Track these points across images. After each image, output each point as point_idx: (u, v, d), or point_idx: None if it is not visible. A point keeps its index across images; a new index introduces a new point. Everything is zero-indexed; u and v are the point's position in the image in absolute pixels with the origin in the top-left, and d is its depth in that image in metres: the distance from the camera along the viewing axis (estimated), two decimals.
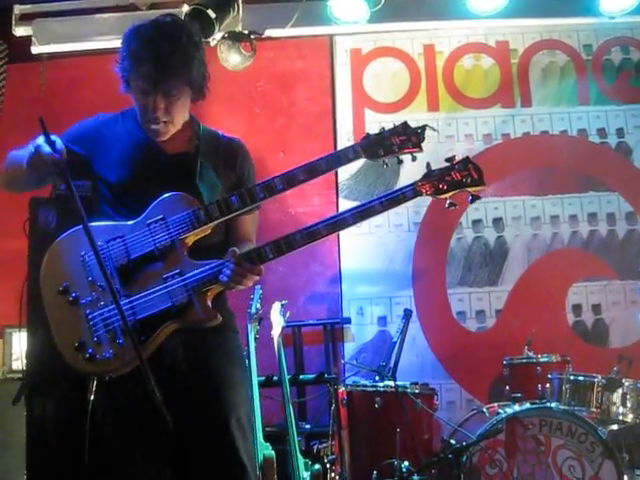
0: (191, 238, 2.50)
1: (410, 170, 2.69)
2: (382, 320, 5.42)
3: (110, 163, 2.62)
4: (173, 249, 2.47)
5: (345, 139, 5.66)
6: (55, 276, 2.50)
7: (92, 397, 2.42)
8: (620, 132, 5.65)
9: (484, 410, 4.34)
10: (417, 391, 4.28)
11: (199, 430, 2.47)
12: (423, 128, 2.60)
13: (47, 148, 2.39)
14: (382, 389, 4.27)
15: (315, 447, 4.43)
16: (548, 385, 4.26)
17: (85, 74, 5.73)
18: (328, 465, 4.22)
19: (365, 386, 4.39)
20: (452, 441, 4.24)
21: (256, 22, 5.45)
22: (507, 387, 4.54)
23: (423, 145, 2.63)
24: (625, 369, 4.26)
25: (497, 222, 5.52)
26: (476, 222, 5.52)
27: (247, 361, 3.78)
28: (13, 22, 5.46)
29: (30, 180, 2.62)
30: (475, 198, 2.60)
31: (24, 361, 3.70)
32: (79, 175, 2.59)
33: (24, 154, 2.50)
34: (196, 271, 2.44)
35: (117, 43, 5.45)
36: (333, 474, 4.21)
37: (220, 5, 5.08)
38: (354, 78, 5.79)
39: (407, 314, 4.80)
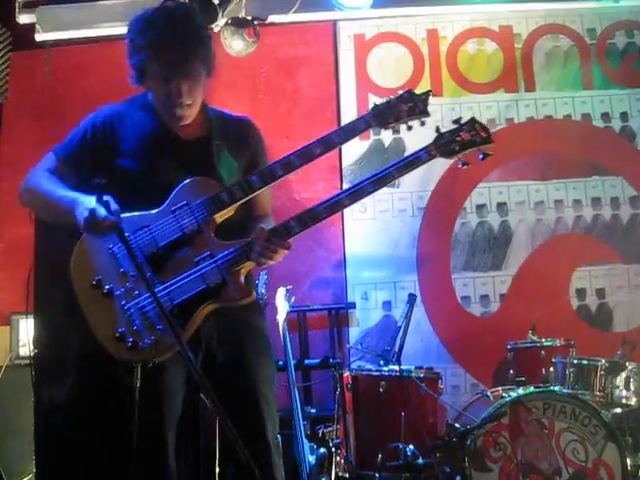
0: (216, 220, 2.55)
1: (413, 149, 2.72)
2: (387, 305, 5.45)
3: (127, 153, 2.64)
4: (200, 232, 2.52)
5: None
6: (86, 271, 2.56)
7: (138, 383, 2.47)
8: (624, 116, 5.65)
9: (488, 394, 4.35)
10: (422, 375, 4.29)
11: (231, 407, 2.50)
12: (427, 93, 2.69)
13: (103, 211, 2.41)
14: (387, 373, 4.29)
15: (320, 431, 4.46)
16: (552, 369, 4.28)
17: (89, 61, 5.74)
18: (333, 449, 4.24)
19: (370, 370, 4.40)
20: (456, 425, 4.25)
21: (259, 8, 5.44)
22: (511, 371, 4.55)
23: (427, 123, 2.70)
24: (629, 353, 4.27)
25: (501, 207, 5.53)
26: (480, 207, 5.52)
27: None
28: (17, 9, 5.45)
29: (61, 222, 2.64)
30: (486, 155, 2.66)
31: (31, 347, 3.72)
32: (97, 171, 2.66)
33: (67, 204, 2.52)
34: (226, 251, 2.50)
35: (121, 30, 5.47)
36: (338, 458, 4.23)
37: None
38: (358, 63, 5.79)
39: (411, 299, 4.80)
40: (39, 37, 5.54)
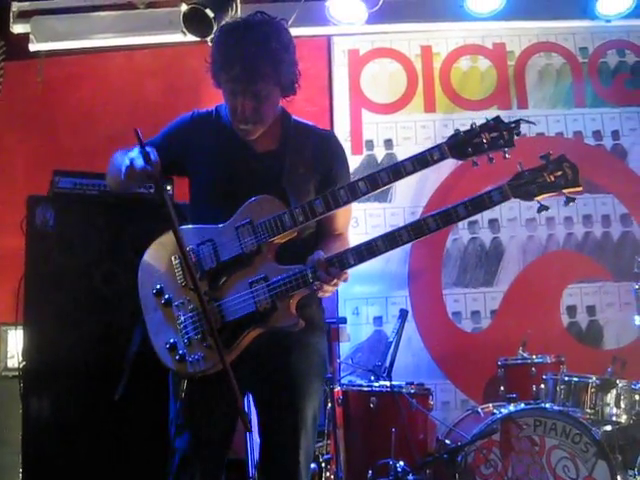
0: (277, 241, 2.52)
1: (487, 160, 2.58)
2: (378, 320, 5.43)
3: (202, 162, 2.66)
4: (260, 253, 2.50)
5: (342, 139, 5.55)
6: (151, 277, 2.58)
7: (184, 395, 2.47)
8: (615, 134, 5.67)
9: (479, 410, 4.34)
10: (412, 391, 4.28)
11: (270, 425, 2.60)
12: (518, 123, 2.47)
13: (140, 161, 2.42)
14: (377, 389, 4.28)
15: None
16: (543, 386, 4.28)
17: (83, 72, 5.74)
18: (323, 464, 4.23)
19: (361, 386, 4.39)
20: (447, 441, 4.24)
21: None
22: (502, 387, 4.55)
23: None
24: (619, 370, 4.27)
25: (493, 223, 5.54)
26: (472, 223, 5.53)
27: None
28: (11, 19, 5.44)
29: (129, 188, 2.79)
30: (570, 200, 2.45)
31: (20, 359, 3.69)
32: (170, 172, 2.70)
33: (120, 160, 2.56)
34: (280, 277, 2.47)
35: (115, 41, 5.59)
36: (328, 473, 4.21)
37: (218, 4, 5.07)
38: (351, 79, 5.80)
39: (403, 314, 4.80)
40: (33, 47, 5.53)
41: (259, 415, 2.66)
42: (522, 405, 4.09)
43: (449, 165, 5.29)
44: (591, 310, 5.39)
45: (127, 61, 5.73)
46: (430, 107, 5.75)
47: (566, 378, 4.21)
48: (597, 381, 4.13)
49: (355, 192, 2.51)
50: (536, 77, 5.79)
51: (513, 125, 2.46)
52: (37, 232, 3.71)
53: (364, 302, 5.47)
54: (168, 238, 2.54)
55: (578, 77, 5.77)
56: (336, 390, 4.37)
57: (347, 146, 5.64)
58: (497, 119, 2.47)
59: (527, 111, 5.70)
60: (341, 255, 2.49)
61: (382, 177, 2.51)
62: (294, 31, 5.38)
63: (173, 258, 2.55)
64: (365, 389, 4.32)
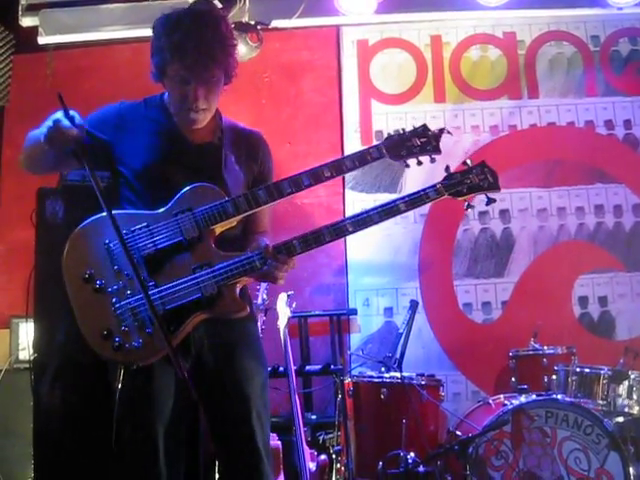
0: (218, 230, 2.53)
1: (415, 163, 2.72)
2: (388, 311, 5.42)
3: (134, 150, 2.62)
4: (201, 240, 2.50)
5: (352, 130, 5.65)
6: (78, 264, 2.50)
7: (119, 385, 2.45)
8: (627, 124, 5.64)
9: (490, 402, 4.33)
10: (423, 382, 4.28)
11: (220, 419, 2.55)
12: (441, 131, 2.70)
13: (66, 122, 2.40)
14: (388, 380, 4.28)
15: (321, 438, 4.44)
16: (554, 377, 4.26)
17: (91, 64, 5.74)
18: (334, 456, 4.23)
19: (371, 377, 4.39)
20: (458, 432, 4.24)
21: (263, 13, 5.44)
22: (513, 379, 4.54)
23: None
24: (631, 361, 4.25)
25: (503, 214, 5.51)
26: (482, 214, 5.51)
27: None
28: (20, 12, 5.46)
29: (48, 158, 2.59)
30: (491, 201, 2.71)
31: (31, 351, 3.70)
32: (98, 163, 2.58)
33: (42, 131, 2.48)
34: (225, 263, 2.47)
35: (124, 33, 5.58)
36: (339, 465, 4.21)
37: None
38: (361, 69, 5.78)
39: (413, 305, 4.80)
40: (42, 40, 5.53)
41: (206, 412, 2.53)
42: (533, 396, 4.08)
43: (458, 157, 5.26)
44: (603, 301, 5.37)
45: (136, 54, 5.72)
46: (440, 97, 5.72)
47: (578, 369, 4.21)
48: (609, 372, 4.12)
49: (298, 184, 2.58)
50: (547, 66, 5.75)
51: (438, 133, 2.69)
52: (47, 224, 3.71)
53: (374, 293, 5.46)
54: (96, 223, 2.51)
55: (589, 66, 5.73)
56: (347, 381, 4.38)
57: (356, 137, 5.64)
58: (424, 127, 2.69)
59: (538, 100, 5.68)
60: (288, 242, 2.53)
61: (324, 171, 2.61)
62: (303, 21, 5.51)
63: (104, 242, 2.49)
64: (376, 380, 4.32)
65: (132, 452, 2.52)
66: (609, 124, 5.63)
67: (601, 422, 3.92)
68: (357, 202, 5.48)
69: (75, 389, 3.59)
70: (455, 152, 5.31)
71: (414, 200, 2.63)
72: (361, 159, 2.64)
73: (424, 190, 2.64)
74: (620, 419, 4.12)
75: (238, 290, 2.52)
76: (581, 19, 5.76)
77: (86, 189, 3.74)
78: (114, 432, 2.49)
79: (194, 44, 2.50)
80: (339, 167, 2.63)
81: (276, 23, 5.53)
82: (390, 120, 5.66)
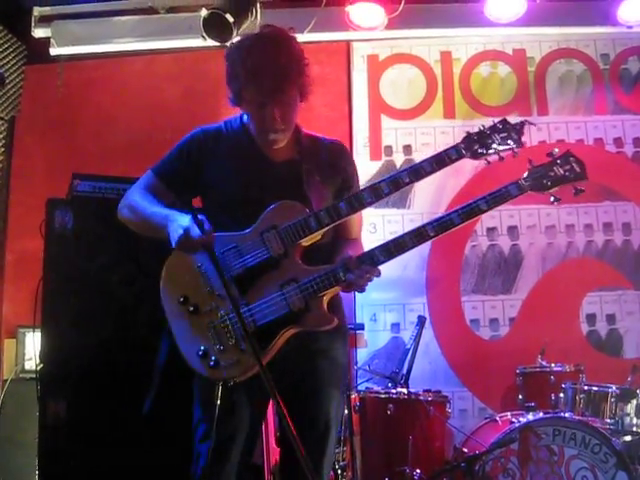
0: (303, 244, 2.57)
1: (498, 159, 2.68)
2: (395, 327, 5.41)
3: (220, 175, 2.69)
4: (287, 256, 2.55)
5: (361, 145, 5.66)
6: (174, 287, 2.61)
7: (219, 402, 2.49)
8: (637, 142, 5.64)
9: (497, 419, 4.31)
10: (430, 398, 4.27)
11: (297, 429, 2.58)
12: (522, 124, 2.66)
13: (197, 231, 2.45)
14: (395, 396, 4.26)
15: None
16: (562, 395, 4.25)
17: (103, 76, 5.77)
18: (340, 471, 4.21)
19: (378, 392, 4.38)
20: (465, 449, 4.22)
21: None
22: (520, 396, 4.53)
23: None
24: (639, 379, 4.23)
25: (512, 230, 5.51)
26: (491, 230, 5.50)
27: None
28: (32, 24, 5.48)
29: (157, 238, 2.65)
30: (578, 191, 2.61)
31: (37, 361, 3.70)
32: (189, 191, 2.71)
33: (162, 220, 2.59)
34: (310, 277, 2.52)
35: (135, 46, 5.61)
36: None
37: (238, 10, 5.09)
38: (371, 84, 5.79)
39: (421, 321, 4.79)
40: (54, 51, 5.56)
41: (281, 423, 2.66)
42: (541, 414, 4.06)
43: (468, 171, 5.28)
44: (611, 318, 5.35)
45: (147, 66, 5.76)
46: (450, 113, 5.73)
47: (585, 387, 4.19)
48: (617, 390, 4.10)
49: (378, 193, 2.58)
50: (556, 83, 5.76)
51: (519, 126, 2.65)
52: (56, 235, 3.71)
53: (382, 308, 5.45)
54: None
55: (599, 84, 5.74)
56: (353, 396, 4.36)
57: (365, 152, 5.65)
58: (504, 121, 2.66)
59: (547, 118, 5.67)
60: (370, 252, 2.57)
61: (403, 178, 2.59)
62: (313, 36, 5.52)
63: (197, 266, 2.58)
64: (382, 396, 4.31)
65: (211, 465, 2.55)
66: (618, 142, 5.63)
67: (609, 441, 3.90)
68: (366, 217, 5.41)
69: (81, 400, 3.58)
70: (464, 168, 5.30)
71: (496, 198, 2.59)
72: (440, 161, 2.61)
73: (505, 187, 2.59)
74: (628, 438, 4.09)
75: (326, 303, 2.55)
76: (591, 37, 5.77)
77: (95, 200, 3.78)
78: (213, 444, 2.52)
79: (269, 68, 2.55)
80: (418, 172, 2.60)
81: None
82: (399, 135, 5.67)
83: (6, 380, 4.79)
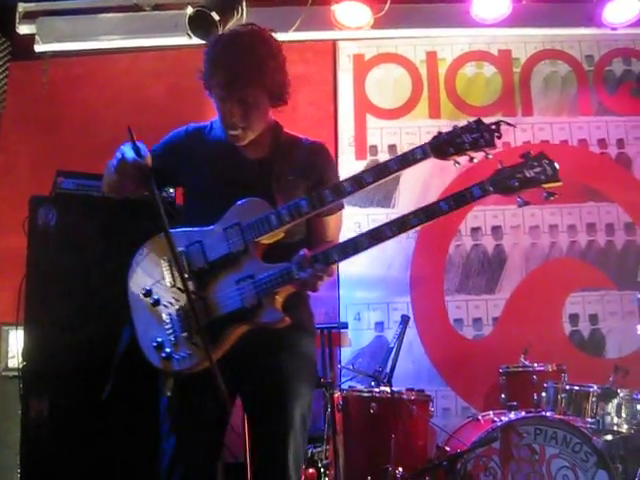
0: (264, 241, 2.57)
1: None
2: (379, 326, 5.43)
3: (195, 171, 2.72)
4: (247, 253, 2.55)
5: (347, 144, 5.67)
6: (139, 280, 2.65)
7: (169, 394, 2.53)
8: (620, 143, 5.67)
9: (479, 418, 4.33)
10: (413, 397, 4.27)
11: (259, 427, 2.64)
12: (498, 124, 2.47)
13: (131, 154, 2.52)
14: (378, 394, 4.26)
15: (310, 451, 4.43)
16: (544, 394, 4.27)
17: (88, 73, 5.75)
18: (322, 469, 4.22)
19: (361, 391, 4.38)
20: (447, 448, 4.24)
21: (259, 25, 5.44)
22: (503, 395, 4.54)
23: None
24: (621, 379, 4.25)
25: (496, 230, 5.53)
26: (475, 230, 5.52)
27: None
28: (17, 20, 5.46)
29: (121, 187, 2.75)
30: (550, 195, 2.45)
31: (20, 359, 3.69)
32: (166, 185, 2.79)
33: (113, 162, 2.65)
34: (266, 274, 2.52)
35: (120, 43, 5.60)
36: (327, 479, 4.20)
37: (224, 8, 5.08)
38: (356, 84, 5.81)
39: (404, 320, 4.79)
40: (38, 48, 5.54)
41: (248, 417, 2.70)
42: (523, 413, 4.08)
43: (453, 171, 5.28)
44: (593, 319, 5.38)
45: (132, 63, 5.74)
46: (435, 113, 5.75)
47: (567, 387, 4.21)
48: (598, 390, 4.12)
49: (340, 192, 2.55)
50: (541, 84, 5.79)
51: (493, 126, 2.46)
52: (39, 232, 3.70)
53: (366, 307, 5.46)
54: (158, 240, 2.63)
55: (583, 85, 5.77)
56: (336, 395, 4.36)
57: (351, 151, 5.66)
58: (478, 121, 2.49)
59: (532, 118, 5.71)
60: (325, 251, 2.54)
61: (366, 177, 2.55)
62: (299, 35, 5.52)
63: (162, 260, 2.62)
64: (365, 395, 4.31)
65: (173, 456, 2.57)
66: (602, 143, 5.67)
67: (590, 440, 3.92)
68: (350, 216, 5.48)
69: (64, 398, 3.57)
70: (448, 168, 5.29)
71: (457, 199, 2.49)
72: (405, 161, 2.53)
73: (468, 188, 2.50)
74: (609, 437, 4.12)
75: (280, 301, 2.54)
76: (576, 38, 5.80)
77: (79, 198, 3.77)
78: (165, 437, 2.57)
79: (225, 63, 2.58)
80: (382, 171, 2.55)
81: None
82: (385, 135, 5.68)
83: None
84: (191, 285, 2.51)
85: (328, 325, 5.28)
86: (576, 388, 4.19)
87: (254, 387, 2.63)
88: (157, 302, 2.58)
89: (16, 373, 3.90)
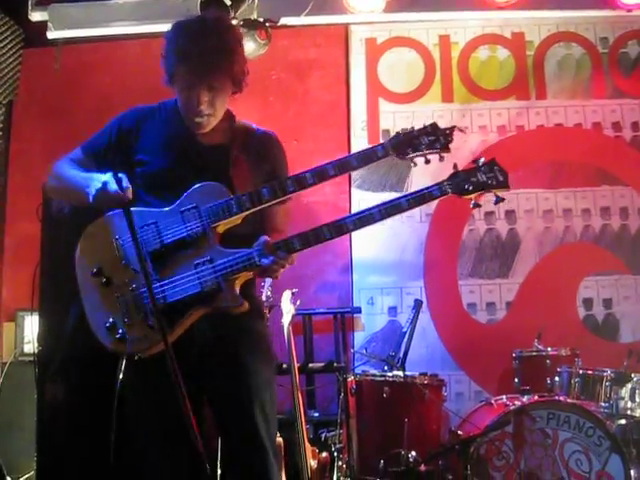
0: (222, 227, 2.58)
1: (423, 162, 2.68)
2: (392, 310, 5.43)
3: (149, 152, 2.69)
4: (205, 237, 2.55)
5: (359, 128, 5.66)
6: (89, 259, 2.61)
7: (121, 376, 2.53)
8: (635, 126, 5.63)
9: (492, 402, 4.34)
10: (426, 382, 4.29)
11: (224, 413, 2.61)
12: (452, 129, 2.63)
13: (114, 186, 2.46)
14: (391, 379, 4.27)
15: (323, 435, 4.46)
16: (557, 378, 4.27)
17: (100, 60, 5.76)
18: (335, 453, 4.23)
19: (374, 375, 4.40)
20: (460, 432, 4.24)
21: (271, 10, 5.44)
22: (516, 379, 4.54)
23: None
24: (634, 364, 4.25)
25: (509, 214, 5.51)
26: (488, 214, 5.51)
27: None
28: (29, 7, 5.46)
29: (80, 204, 2.67)
30: (499, 200, 2.63)
31: (35, 344, 3.72)
32: (118, 165, 2.66)
33: (83, 181, 2.59)
34: (226, 259, 2.52)
35: (132, 29, 5.59)
36: (340, 462, 4.22)
37: None
38: (369, 68, 5.78)
39: (417, 305, 4.79)
40: (51, 35, 5.54)
41: (212, 407, 2.66)
42: (536, 397, 4.09)
43: (466, 156, 5.26)
44: (607, 303, 5.37)
45: (144, 49, 5.73)
46: (448, 97, 5.72)
47: (581, 371, 4.21)
48: (612, 374, 4.12)
49: (302, 183, 2.60)
50: (555, 67, 5.74)
51: (448, 131, 2.62)
52: (53, 219, 3.73)
53: (379, 292, 5.47)
54: (108, 219, 2.61)
55: (598, 68, 5.72)
56: (349, 379, 4.38)
57: (363, 135, 5.64)
58: (434, 125, 2.64)
59: (546, 101, 5.67)
60: (287, 240, 2.56)
61: (328, 170, 2.61)
62: (311, 19, 5.50)
63: (114, 240, 2.58)
64: (378, 379, 4.32)
65: (135, 444, 2.59)
66: (616, 126, 5.62)
67: (603, 424, 3.92)
68: (363, 201, 5.48)
69: (79, 383, 3.60)
70: (462, 152, 5.30)
71: (417, 198, 2.61)
72: (366, 158, 2.64)
73: (428, 188, 2.61)
74: (622, 421, 4.12)
75: (238, 286, 2.55)
76: (590, 21, 5.75)
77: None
78: (113, 422, 2.61)
79: (198, 50, 2.56)
80: (344, 166, 2.63)
81: (285, 20, 5.53)
82: (397, 119, 5.66)
83: (5, 363, 4.81)
84: (147, 266, 2.46)
85: (341, 310, 5.30)
86: (589, 372, 4.19)
87: (214, 375, 2.60)
88: (109, 281, 2.55)
89: (32, 358, 3.93)
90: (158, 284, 2.50)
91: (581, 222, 5.49)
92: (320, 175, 2.61)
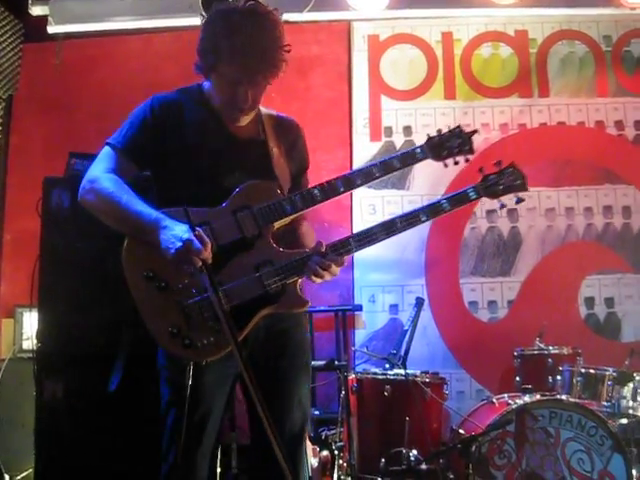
0: (275, 226, 2.57)
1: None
2: (394, 308, 5.42)
3: (185, 146, 2.59)
4: (261, 238, 2.53)
5: (361, 125, 5.64)
6: (139, 262, 2.50)
7: (190, 382, 2.46)
8: (638, 124, 5.61)
9: (494, 400, 4.31)
10: (427, 380, 4.28)
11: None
12: (473, 132, 2.78)
13: (198, 244, 2.34)
14: (392, 377, 4.27)
15: (324, 433, 4.43)
16: (559, 377, 4.26)
17: (101, 55, 5.74)
18: (336, 452, 4.21)
19: (375, 374, 4.39)
20: (461, 431, 4.23)
21: (273, 6, 5.35)
22: (517, 378, 4.53)
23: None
24: (636, 363, 4.24)
25: (511, 212, 5.49)
26: (490, 212, 5.49)
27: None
28: (30, 1, 5.45)
29: (134, 236, 2.53)
30: (520, 200, 2.81)
31: (34, 341, 3.70)
32: (145, 165, 2.62)
33: (148, 222, 2.44)
34: (287, 261, 2.53)
35: (133, 24, 5.58)
36: (341, 461, 4.20)
37: None
38: (371, 64, 5.76)
39: (419, 302, 4.79)
40: (51, 29, 5.53)
41: (246, 397, 2.61)
42: (538, 396, 4.07)
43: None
44: (609, 302, 5.35)
45: (145, 44, 5.72)
46: (450, 94, 5.70)
47: (583, 370, 4.19)
48: (614, 373, 4.11)
49: (351, 184, 2.64)
50: (558, 65, 5.72)
51: (470, 135, 2.77)
52: (52, 214, 3.71)
53: (380, 290, 5.45)
54: None
55: (601, 66, 5.70)
56: (350, 377, 4.37)
57: (365, 132, 5.63)
58: (459, 128, 2.78)
59: (548, 99, 5.66)
60: (344, 242, 2.59)
61: (374, 172, 2.66)
62: (313, 15, 5.48)
63: None
64: (380, 377, 4.32)
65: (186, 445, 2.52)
66: (619, 125, 5.60)
67: (605, 423, 3.91)
68: (365, 198, 5.48)
69: (78, 379, 3.59)
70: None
71: (457, 200, 2.71)
72: (408, 159, 2.71)
73: (465, 190, 2.73)
74: (624, 421, 4.09)
75: (299, 286, 2.57)
76: (594, 19, 5.72)
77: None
78: (183, 424, 2.48)
79: (256, 51, 2.51)
80: (388, 166, 2.67)
81: (287, 17, 5.40)
82: (399, 116, 5.64)
83: (4, 360, 4.80)
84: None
85: (342, 307, 5.29)
86: (591, 371, 4.18)
87: (260, 373, 2.48)
88: (167, 286, 2.46)
89: (31, 354, 3.91)
90: (220, 288, 2.41)
91: (583, 221, 5.47)
92: (367, 176, 2.66)
